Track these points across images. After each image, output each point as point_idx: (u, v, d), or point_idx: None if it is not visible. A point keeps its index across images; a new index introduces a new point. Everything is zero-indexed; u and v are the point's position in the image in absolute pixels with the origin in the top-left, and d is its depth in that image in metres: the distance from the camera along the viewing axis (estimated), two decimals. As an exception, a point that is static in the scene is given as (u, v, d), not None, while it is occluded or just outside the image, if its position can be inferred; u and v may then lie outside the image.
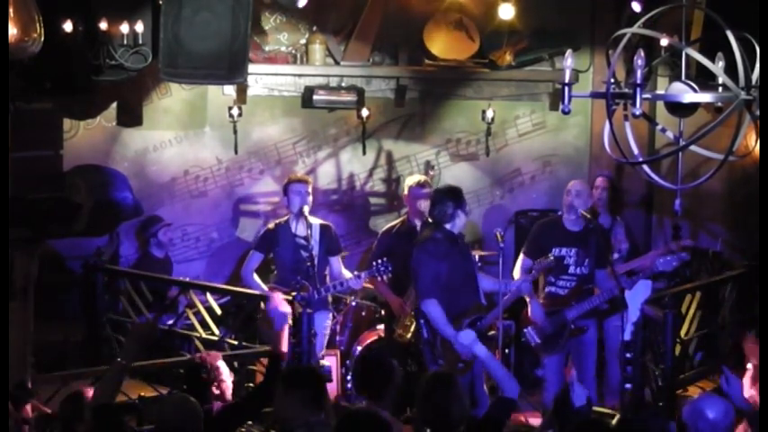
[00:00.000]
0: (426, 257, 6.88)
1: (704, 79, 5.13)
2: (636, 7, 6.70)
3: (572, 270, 7.38)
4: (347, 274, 7.87)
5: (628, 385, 6.92)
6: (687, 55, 4.97)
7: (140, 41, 7.49)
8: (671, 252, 7.95)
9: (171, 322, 7.75)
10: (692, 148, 5.07)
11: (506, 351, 7.37)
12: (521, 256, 7.49)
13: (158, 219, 8.82)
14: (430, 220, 7.05)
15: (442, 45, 9.13)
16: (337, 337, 8.44)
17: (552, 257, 7.23)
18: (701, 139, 4.98)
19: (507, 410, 5.24)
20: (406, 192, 8.10)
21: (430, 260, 6.87)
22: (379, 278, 7.71)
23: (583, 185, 7.63)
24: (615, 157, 5.34)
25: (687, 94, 4.89)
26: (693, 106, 5.04)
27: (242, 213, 9.42)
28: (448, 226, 6.89)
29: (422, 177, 8.13)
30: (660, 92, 5.59)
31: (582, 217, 7.33)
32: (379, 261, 7.63)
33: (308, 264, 7.58)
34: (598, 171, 9.01)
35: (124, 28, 7.46)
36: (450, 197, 6.95)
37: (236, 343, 7.47)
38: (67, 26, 7.10)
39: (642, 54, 4.64)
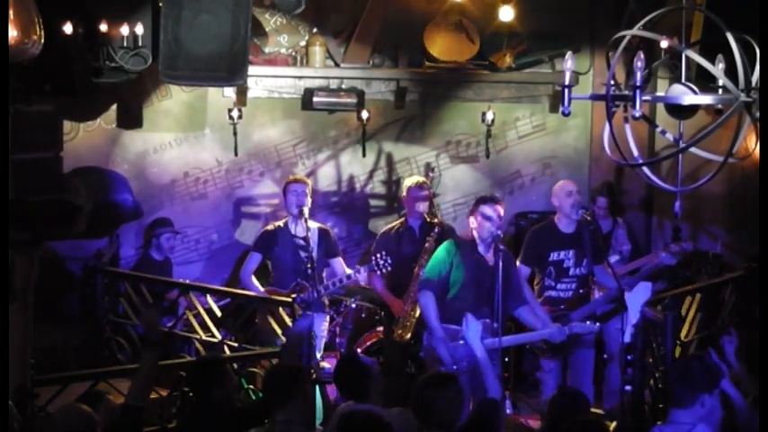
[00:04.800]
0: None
1: (704, 81, 5.13)
2: None
3: (572, 272, 7.39)
4: (349, 271, 7.88)
5: (628, 387, 6.92)
6: (687, 57, 4.98)
7: (140, 43, 7.50)
8: (671, 252, 7.97)
9: (171, 324, 7.75)
10: (692, 150, 5.07)
11: (506, 359, 7.36)
12: (518, 264, 7.44)
13: (168, 222, 8.78)
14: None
15: (442, 47, 9.13)
16: (337, 339, 8.43)
17: None
18: (700, 141, 4.98)
19: (493, 411, 5.23)
20: (404, 193, 8.10)
21: (436, 257, 6.97)
22: (378, 272, 7.71)
23: (574, 183, 7.62)
24: (615, 159, 5.33)
25: (687, 96, 4.89)
26: (693, 108, 5.03)
27: (242, 215, 9.43)
28: (475, 234, 6.88)
29: (420, 179, 8.13)
30: (660, 94, 5.58)
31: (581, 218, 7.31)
32: (378, 255, 7.64)
33: (307, 265, 7.58)
34: (600, 179, 9.00)
35: (124, 30, 7.47)
36: (474, 204, 6.98)
37: (236, 345, 7.47)
38: (67, 28, 7.09)
39: (642, 56, 4.63)
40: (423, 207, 7.99)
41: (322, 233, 7.93)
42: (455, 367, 6.60)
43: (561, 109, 4.69)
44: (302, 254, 7.70)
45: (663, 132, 5.61)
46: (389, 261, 7.63)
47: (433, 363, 6.72)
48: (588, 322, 6.95)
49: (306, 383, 5.31)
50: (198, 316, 7.67)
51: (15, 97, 6.24)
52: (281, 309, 7.34)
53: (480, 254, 6.83)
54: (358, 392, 5.39)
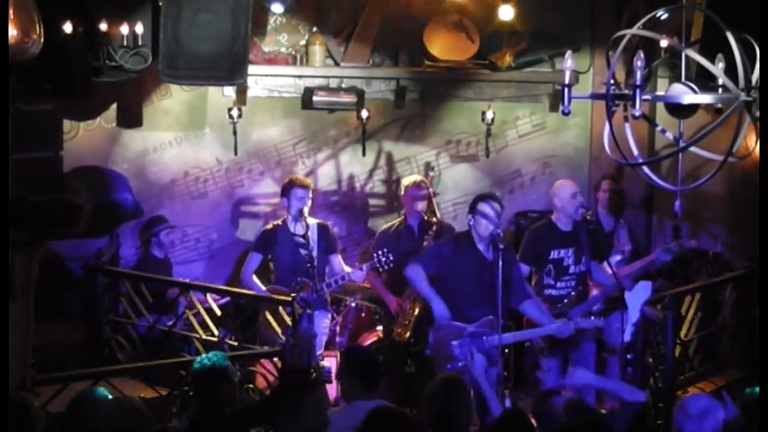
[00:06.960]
0: (428, 250, 7.22)
1: (704, 80, 5.13)
2: None
3: (572, 270, 7.39)
4: (349, 269, 7.88)
5: (628, 386, 6.92)
6: (687, 56, 4.98)
7: (140, 42, 7.49)
8: (669, 251, 7.96)
9: (171, 323, 7.75)
10: (692, 149, 5.07)
11: (506, 350, 7.35)
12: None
13: (162, 219, 8.81)
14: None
15: (442, 46, 9.12)
16: (337, 338, 8.44)
17: None
18: (700, 140, 4.98)
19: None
20: (403, 192, 8.11)
21: (428, 251, 7.15)
22: (380, 268, 7.71)
23: (574, 184, 7.61)
24: (615, 159, 5.33)
25: (687, 95, 4.89)
26: (693, 107, 5.03)
27: (242, 214, 9.42)
28: (473, 231, 6.89)
29: (418, 177, 8.14)
30: (660, 93, 5.58)
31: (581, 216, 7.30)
32: (381, 252, 7.64)
33: (308, 263, 7.58)
34: (602, 173, 8.99)
35: (124, 29, 7.46)
36: (472, 201, 7.01)
37: (235, 344, 7.48)
38: (67, 27, 7.09)
39: (642, 55, 4.63)
40: (421, 206, 7.99)
41: (321, 229, 7.92)
42: (460, 364, 6.57)
43: (561, 108, 4.69)
44: (302, 252, 7.70)
45: (663, 131, 5.62)
46: (391, 258, 7.64)
47: (440, 360, 6.69)
48: (593, 317, 6.91)
49: (314, 395, 4.98)
50: (198, 315, 7.67)
51: (15, 97, 6.24)
52: (280, 308, 7.35)
53: (479, 251, 6.84)
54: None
